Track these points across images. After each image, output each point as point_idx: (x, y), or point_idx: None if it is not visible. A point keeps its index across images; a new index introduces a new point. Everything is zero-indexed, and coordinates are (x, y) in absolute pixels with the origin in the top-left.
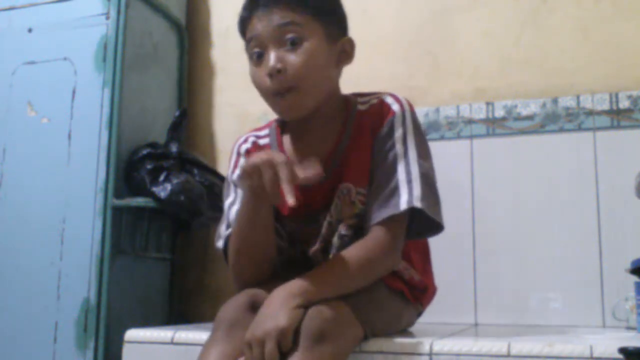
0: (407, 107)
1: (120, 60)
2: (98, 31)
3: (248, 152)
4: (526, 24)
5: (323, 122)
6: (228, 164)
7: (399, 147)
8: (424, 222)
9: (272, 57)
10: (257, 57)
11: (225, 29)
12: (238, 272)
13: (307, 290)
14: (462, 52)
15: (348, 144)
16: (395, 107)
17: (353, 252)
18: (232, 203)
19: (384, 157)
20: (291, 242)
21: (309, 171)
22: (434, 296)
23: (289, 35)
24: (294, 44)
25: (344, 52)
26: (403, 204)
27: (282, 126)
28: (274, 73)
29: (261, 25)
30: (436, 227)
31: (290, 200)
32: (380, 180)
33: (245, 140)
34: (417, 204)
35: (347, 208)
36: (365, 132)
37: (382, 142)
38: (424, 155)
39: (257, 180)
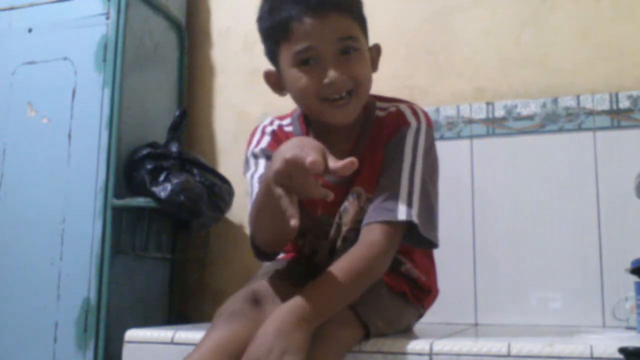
0: (423, 121)
1: (120, 60)
2: (98, 31)
3: (274, 133)
4: (526, 24)
5: (347, 125)
6: (249, 141)
7: (407, 157)
8: (417, 236)
9: (332, 67)
10: (304, 63)
11: (226, 29)
12: (256, 235)
13: (315, 312)
14: (462, 52)
15: (363, 149)
16: (412, 119)
17: (351, 263)
18: (253, 174)
19: (390, 163)
20: (303, 238)
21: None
22: (435, 298)
23: (347, 47)
24: (349, 53)
25: (372, 59)
26: (401, 214)
27: (305, 121)
28: (337, 82)
29: (318, 37)
30: (428, 243)
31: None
32: (383, 184)
33: (271, 123)
34: (415, 219)
35: (354, 212)
36: (379, 140)
37: (391, 149)
38: (430, 172)
39: (287, 181)
